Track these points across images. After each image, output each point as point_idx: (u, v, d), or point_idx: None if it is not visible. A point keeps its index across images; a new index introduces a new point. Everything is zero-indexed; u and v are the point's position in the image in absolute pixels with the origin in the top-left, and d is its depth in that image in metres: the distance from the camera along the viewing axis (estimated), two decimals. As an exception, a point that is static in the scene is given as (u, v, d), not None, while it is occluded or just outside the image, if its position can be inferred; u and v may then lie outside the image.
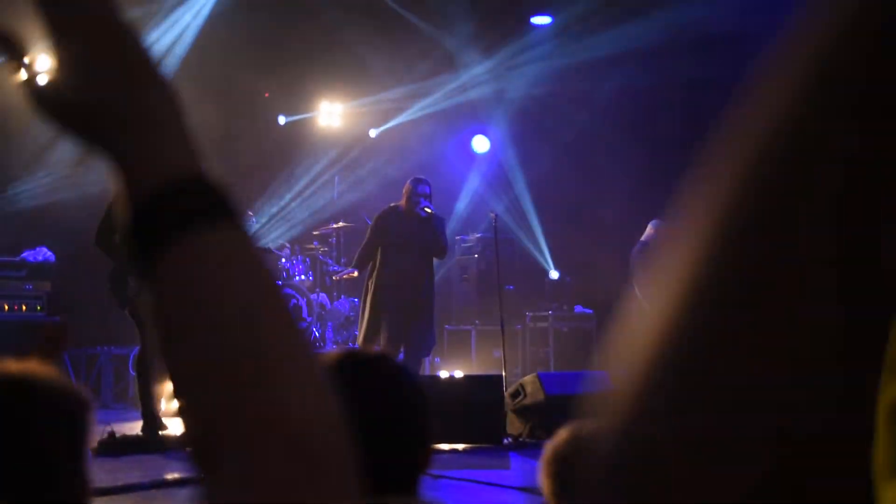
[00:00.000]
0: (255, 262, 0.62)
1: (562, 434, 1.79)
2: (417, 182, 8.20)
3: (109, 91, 0.65)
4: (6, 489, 1.14)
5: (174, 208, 0.62)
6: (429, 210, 8.07)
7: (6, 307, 9.19)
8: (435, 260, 8.40)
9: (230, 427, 0.58)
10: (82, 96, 0.65)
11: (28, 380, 1.19)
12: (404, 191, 8.22)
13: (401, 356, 7.86)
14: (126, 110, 0.64)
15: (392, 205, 8.35)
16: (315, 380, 0.60)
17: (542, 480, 1.73)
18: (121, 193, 0.63)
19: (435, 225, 8.11)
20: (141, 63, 0.66)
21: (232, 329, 0.59)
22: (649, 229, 10.34)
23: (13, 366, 1.20)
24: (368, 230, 8.46)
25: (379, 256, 8.19)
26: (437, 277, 8.77)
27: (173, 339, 0.61)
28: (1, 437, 1.14)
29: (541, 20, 11.50)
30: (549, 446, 1.78)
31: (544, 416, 7.09)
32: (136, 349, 9.76)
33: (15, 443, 1.15)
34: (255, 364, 0.59)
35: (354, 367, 1.51)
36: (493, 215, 9.26)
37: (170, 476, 5.85)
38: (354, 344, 10.99)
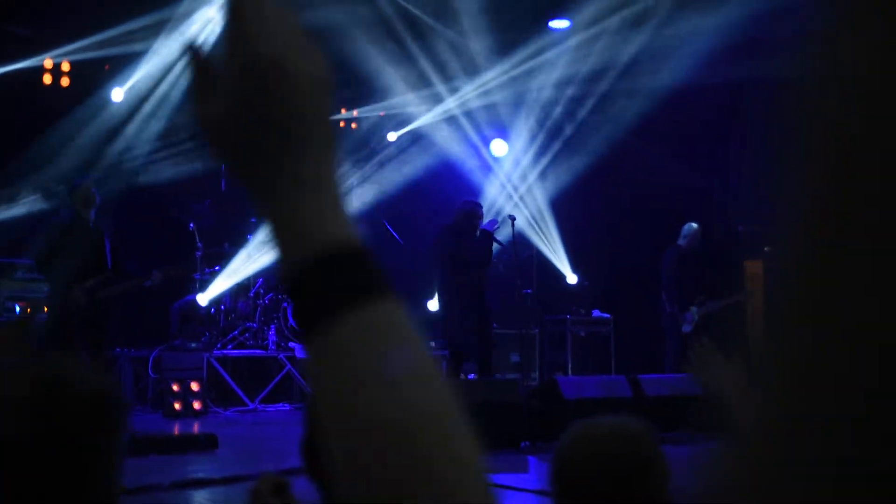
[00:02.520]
0: (413, 341, 0.61)
1: (567, 435, 1.80)
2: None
3: (263, 141, 0.63)
4: (33, 486, 1.15)
5: (331, 286, 0.60)
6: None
7: (28, 309, 9.28)
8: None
9: None
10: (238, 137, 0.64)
11: (62, 376, 1.20)
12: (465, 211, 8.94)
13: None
14: (281, 163, 0.63)
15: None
16: (479, 486, 0.59)
17: (549, 481, 1.75)
18: (279, 256, 0.62)
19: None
20: (305, 115, 0.63)
21: (389, 415, 0.58)
22: (683, 235, 10.31)
23: (49, 361, 1.21)
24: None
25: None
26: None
27: (332, 419, 0.59)
28: (29, 432, 1.14)
29: (559, 24, 11.51)
30: (556, 448, 1.79)
31: (562, 421, 7.09)
32: (156, 352, 9.83)
33: (43, 439, 1.15)
34: (414, 459, 0.57)
35: None
36: (511, 219, 9.32)
37: (190, 477, 5.89)
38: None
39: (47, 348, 7.52)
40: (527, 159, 12.32)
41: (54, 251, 7.63)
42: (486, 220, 9.20)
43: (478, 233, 8.87)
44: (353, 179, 12.34)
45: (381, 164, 12.55)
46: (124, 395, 1.29)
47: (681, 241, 10.30)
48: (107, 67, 10.85)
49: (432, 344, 11.42)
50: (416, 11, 11.06)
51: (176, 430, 8.41)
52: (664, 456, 1.75)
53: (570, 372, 10.76)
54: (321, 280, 0.60)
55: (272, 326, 10.52)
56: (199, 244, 10.34)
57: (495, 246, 8.99)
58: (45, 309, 9.22)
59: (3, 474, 1.13)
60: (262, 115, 0.64)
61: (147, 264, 8.40)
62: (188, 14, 10.66)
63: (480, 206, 9.25)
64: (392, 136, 12.75)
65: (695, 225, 10.23)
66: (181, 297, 10.51)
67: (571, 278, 11.96)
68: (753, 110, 10.92)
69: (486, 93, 12.18)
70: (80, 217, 7.82)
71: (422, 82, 11.91)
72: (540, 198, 12.15)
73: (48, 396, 1.17)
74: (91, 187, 7.93)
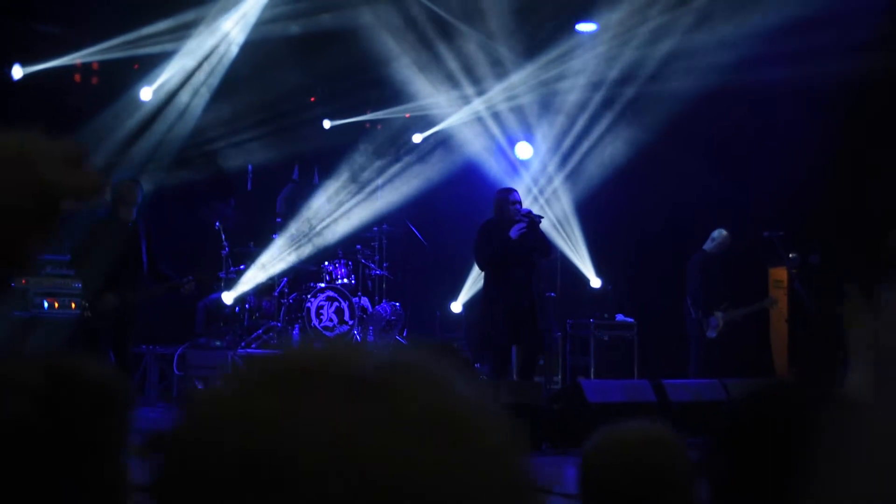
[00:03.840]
0: None
1: (595, 440, 1.80)
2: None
3: None
4: (35, 483, 1.16)
5: None
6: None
7: (56, 304, 9.37)
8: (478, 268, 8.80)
9: None
10: None
11: (69, 371, 1.21)
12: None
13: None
14: None
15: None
16: None
17: (577, 484, 1.76)
18: None
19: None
20: None
21: None
22: (712, 239, 10.26)
23: (57, 358, 1.23)
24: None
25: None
26: (480, 283, 8.91)
27: None
28: (37, 420, 1.16)
29: (586, 27, 11.49)
30: (584, 451, 1.80)
31: (585, 424, 7.08)
32: (181, 349, 9.91)
33: (49, 428, 1.16)
34: None
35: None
36: (537, 219, 9.25)
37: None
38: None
39: (73, 346, 7.60)
40: (552, 162, 12.31)
41: (89, 248, 7.64)
42: (524, 205, 8.65)
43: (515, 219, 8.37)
44: (377, 181, 12.38)
45: (406, 166, 12.58)
46: (130, 391, 1.30)
47: (707, 246, 10.25)
48: (136, 67, 10.94)
49: (455, 345, 11.44)
50: (443, 13, 11.09)
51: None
52: (691, 462, 1.76)
53: (592, 376, 10.74)
54: None
55: (296, 326, 10.58)
56: (225, 243, 10.41)
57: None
58: (73, 306, 9.33)
59: (4, 460, 1.14)
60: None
61: (173, 263, 8.47)
62: (216, 15, 10.73)
63: (511, 192, 8.62)
64: (417, 138, 12.78)
65: (725, 231, 10.18)
66: (207, 296, 10.59)
67: (595, 282, 11.93)
68: (781, 116, 10.88)
69: (512, 95, 12.19)
70: (117, 215, 7.81)
71: (448, 84, 11.93)
72: (565, 201, 12.14)
73: (58, 387, 1.18)
74: (133, 185, 7.89)
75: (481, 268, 8.65)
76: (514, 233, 8.24)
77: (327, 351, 0.68)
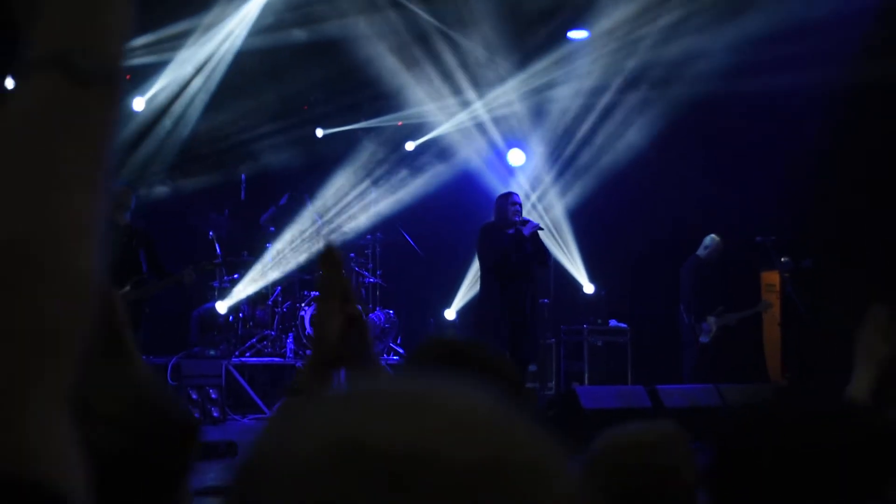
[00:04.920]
0: None
1: (599, 443, 1.81)
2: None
3: None
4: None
5: None
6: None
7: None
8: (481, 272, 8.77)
9: None
10: None
11: (153, 403, 1.24)
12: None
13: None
14: None
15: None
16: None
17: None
18: None
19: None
20: None
21: None
22: (705, 246, 10.28)
23: (144, 383, 1.26)
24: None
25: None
26: (474, 290, 8.90)
27: None
28: (121, 450, 1.18)
29: (578, 34, 11.53)
30: (589, 455, 1.80)
31: (580, 430, 7.10)
32: (175, 359, 9.91)
33: (132, 458, 1.19)
34: None
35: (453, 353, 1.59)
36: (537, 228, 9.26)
37: (212, 484, 5.92)
38: (391, 356, 11.03)
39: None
40: (545, 169, 12.33)
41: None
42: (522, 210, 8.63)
43: (512, 229, 8.39)
44: (370, 189, 12.38)
45: (399, 174, 12.59)
46: (196, 419, 1.35)
47: (700, 252, 10.28)
48: (128, 77, 10.94)
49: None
50: (435, 21, 11.12)
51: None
52: (694, 462, 1.76)
53: (586, 381, 10.75)
54: None
55: (290, 335, 10.57)
56: (219, 253, 10.41)
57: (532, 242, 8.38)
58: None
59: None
60: None
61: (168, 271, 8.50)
62: (210, 25, 10.74)
63: (511, 194, 8.66)
64: (410, 146, 12.79)
65: (717, 237, 10.22)
66: (201, 305, 10.58)
67: (588, 288, 11.94)
68: (773, 122, 10.92)
69: (505, 102, 12.21)
70: (111, 220, 7.93)
71: (440, 92, 11.95)
72: (557, 207, 12.16)
73: (144, 420, 1.21)
74: (127, 190, 8.08)
75: (487, 269, 8.56)
76: (527, 230, 8.35)
77: (403, 430, 0.53)
